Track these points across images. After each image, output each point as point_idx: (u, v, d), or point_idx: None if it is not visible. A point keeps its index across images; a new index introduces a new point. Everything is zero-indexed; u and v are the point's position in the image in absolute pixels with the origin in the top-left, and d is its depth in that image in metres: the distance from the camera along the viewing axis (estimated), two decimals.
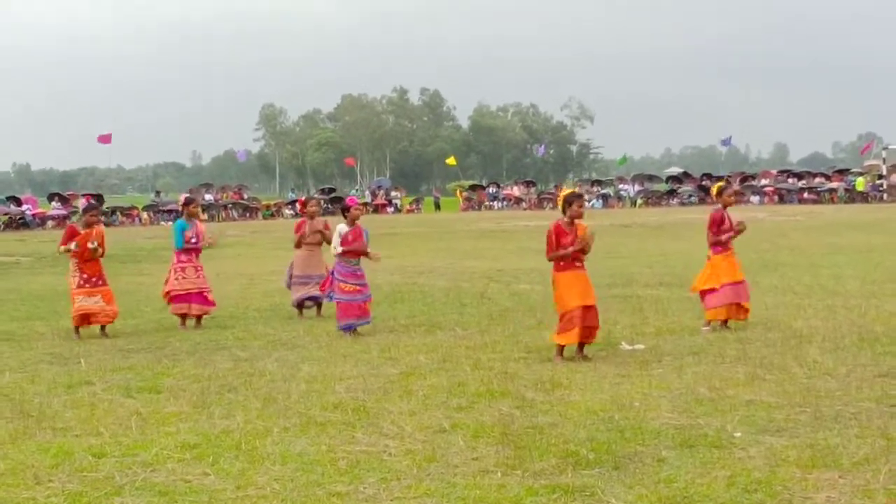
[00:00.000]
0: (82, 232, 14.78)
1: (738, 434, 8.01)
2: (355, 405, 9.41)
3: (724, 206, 14.06)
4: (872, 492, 6.44)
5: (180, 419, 9.06)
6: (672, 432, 8.12)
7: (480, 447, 7.85)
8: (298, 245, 16.88)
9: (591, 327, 11.84)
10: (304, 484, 6.93)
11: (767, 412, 8.77)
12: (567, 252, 11.76)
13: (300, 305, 16.68)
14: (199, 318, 15.66)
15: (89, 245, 14.63)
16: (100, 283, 14.86)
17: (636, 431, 8.18)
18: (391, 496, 6.64)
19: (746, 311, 13.87)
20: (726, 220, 13.95)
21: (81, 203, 15.39)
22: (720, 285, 13.73)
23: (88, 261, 14.75)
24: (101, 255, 14.96)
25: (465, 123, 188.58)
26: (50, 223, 64.61)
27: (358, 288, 14.32)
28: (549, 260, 11.95)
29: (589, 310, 11.81)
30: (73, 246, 14.60)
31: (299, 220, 17.55)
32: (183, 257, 15.61)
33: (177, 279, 15.56)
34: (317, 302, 16.60)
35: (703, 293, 13.94)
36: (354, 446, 7.95)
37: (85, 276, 14.73)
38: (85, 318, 14.77)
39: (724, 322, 13.76)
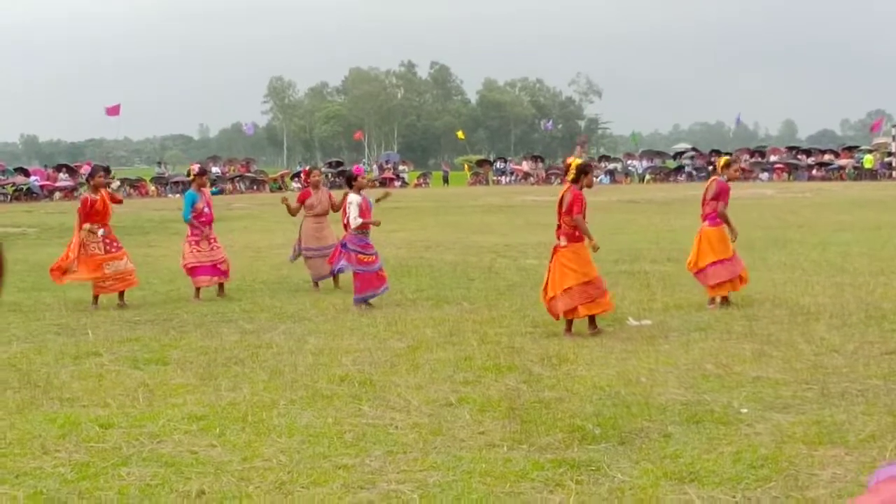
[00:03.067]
0: (96, 198, 14.79)
1: (745, 410, 8.01)
2: (362, 378, 9.42)
3: (730, 181, 13.97)
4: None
5: (187, 391, 9.08)
6: (678, 408, 8.12)
7: (487, 421, 7.85)
8: (294, 213, 17.00)
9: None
10: (311, 456, 6.94)
11: (774, 389, 8.76)
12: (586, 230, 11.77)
13: (321, 279, 16.70)
14: (220, 286, 15.75)
15: (114, 186, 14.90)
16: (119, 246, 15.09)
17: (642, 407, 8.18)
18: (397, 469, 6.65)
19: (744, 280, 13.83)
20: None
21: (85, 170, 15.38)
22: (717, 260, 13.68)
23: (105, 226, 14.86)
24: (119, 202, 15.20)
25: (473, 98, 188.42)
26: (57, 194, 64.68)
27: (374, 258, 14.36)
28: (576, 222, 11.81)
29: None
30: (100, 233, 14.75)
31: (303, 189, 17.60)
32: (195, 231, 15.68)
33: (191, 252, 15.63)
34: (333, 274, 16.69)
35: (703, 269, 13.81)
36: (361, 419, 7.96)
37: (108, 241, 14.90)
38: (110, 287, 14.88)
39: (725, 299, 13.72)
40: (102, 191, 15.01)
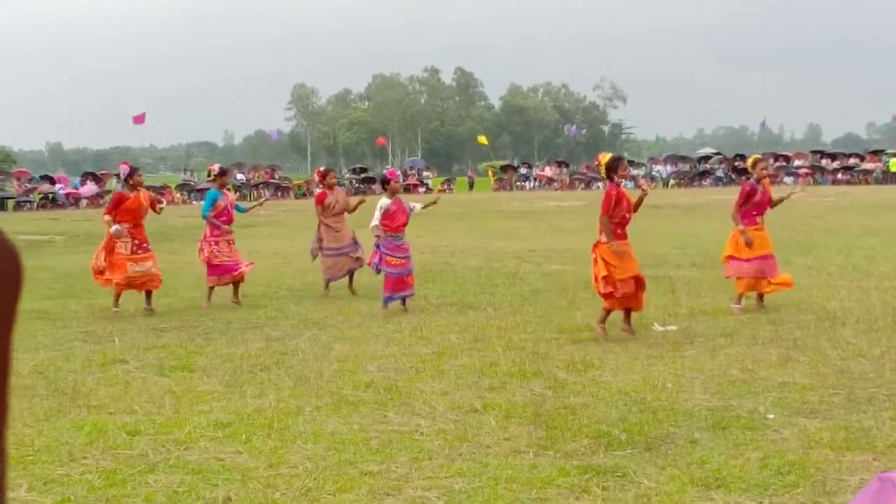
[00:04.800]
0: (130, 196, 14.86)
1: (772, 416, 7.98)
2: (387, 384, 9.43)
3: (758, 180, 13.87)
4: None
5: (213, 398, 9.11)
6: (705, 413, 8.10)
7: (512, 427, 7.85)
8: (324, 214, 17.00)
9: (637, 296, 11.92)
10: (336, 463, 6.95)
11: (801, 394, 8.72)
12: (612, 240, 11.77)
13: (339, 278, 16.81)
14: (236, 288, 15.72)
15: (159, 206, 15.28)
16: (148, 248, 15.07)
17: (668, 412, 8.16)
18: (423, 475, 6.65)
19: (771, 284, 13.66)
20: (758, 194, 13.78)
21: (123, 169, 15.64)
22: (748, 258, 13.57)
23: (138, 226, 14.88)
24: (159, 212, 15.60)
25: (496, 103, 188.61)
26: (83, 202, 65.02)
27: (403, 261, 14.40)
28: (601, 222, 11.85)
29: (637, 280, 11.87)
30: (113, 230, 14.71)
31: (319, 191, 17.70)
32: (216, 231, 15.69)
33: (211, 250, 15.64)
34: (350, 273, 16.77)
35: (728, 259, 13.84)
36: (386, 426, 7.97)
37: (136, 241, 14.85)
38: (133, 284, 14.91)
39: (761, 297, 13.66)
40: (141, 191, 15.08)
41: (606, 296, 11.90)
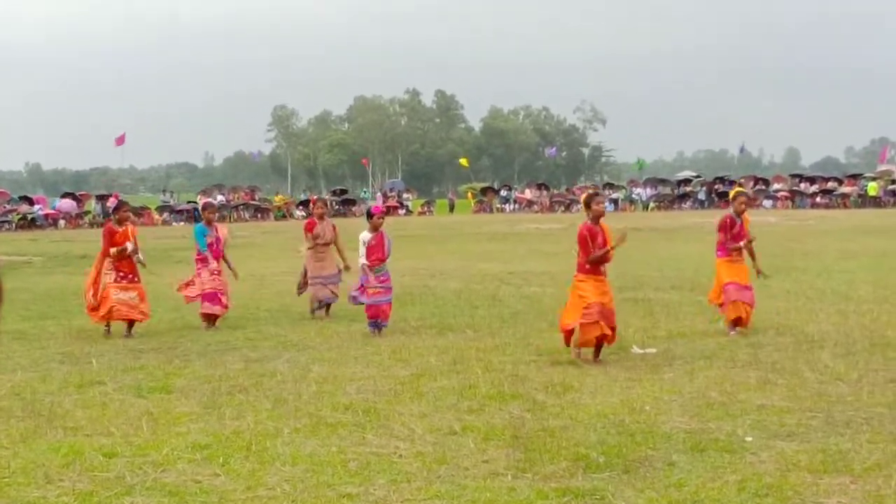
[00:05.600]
0: (119, 230, 14.86)
1: (750, 438, 7.99)
2: (366, 406, 9.41)
3: (737, 213, 14.02)
4: (884, 497, 6.42)
5: (191, 420, 9.07)
6: (683, 436, 8.11)
7: (491, 450, 7.84)
8: (313, 245, 17.02)
9: (610, 327, 11.88)
10: (315, 485, 6.93)
11: (779, 417, 8.74)
12: (605, 251, 11.82)
13: (317, 308, 16.81)
14: (213, 319, 15.70)
15: (128, 246, 14.77)
16: (135, 280, 15.00)
17: (647, 435, 8.16)
18: (401, 498, 6.64)
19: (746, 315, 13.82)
20: (737, 226, 13.94)
21: (111, 202, 15.65)
22: (724, 284, 13.76)
23: (125, 258, 14.84)
24: (136, 253, 15.09)
25: (477, 126, 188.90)
26: (62, 223, 64.81)
27: (382, 290, 14.42)
28: (588, 262, 11.91)
29: (605, 308, 11.87)
30: (115, 251, 14.72)
31: (308, 219, 17.70)
32: (200, 264, 15.70)
33: (199, 283, 15.65)
34: (328, 303, 16.79)
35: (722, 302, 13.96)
36: (365, 448, 7.95)
37: (121, 273, 14.87)
38: (116, 313, 14.80)
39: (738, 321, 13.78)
40: (129, 225, 15.11)
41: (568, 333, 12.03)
